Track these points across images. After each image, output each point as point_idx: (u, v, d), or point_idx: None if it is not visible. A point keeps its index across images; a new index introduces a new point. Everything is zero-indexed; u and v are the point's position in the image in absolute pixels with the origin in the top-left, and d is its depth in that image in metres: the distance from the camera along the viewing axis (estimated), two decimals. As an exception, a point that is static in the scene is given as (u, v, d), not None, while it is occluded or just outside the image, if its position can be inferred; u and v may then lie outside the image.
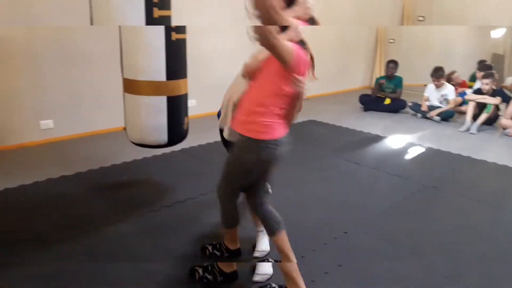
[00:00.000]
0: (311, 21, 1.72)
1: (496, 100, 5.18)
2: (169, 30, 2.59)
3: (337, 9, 6.76)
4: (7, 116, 3.84)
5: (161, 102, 2.70)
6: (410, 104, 6.01)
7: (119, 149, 3.83)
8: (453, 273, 2.19)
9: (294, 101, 1.72)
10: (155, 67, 2.62)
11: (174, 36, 2.63)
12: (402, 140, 4.72)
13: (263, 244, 2.28)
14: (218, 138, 2.18)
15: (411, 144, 4.54)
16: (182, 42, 2.70)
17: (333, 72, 7.05)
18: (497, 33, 12.51)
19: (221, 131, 2.07)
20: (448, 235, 2.59)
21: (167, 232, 2.48)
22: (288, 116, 1.76)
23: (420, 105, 5.85)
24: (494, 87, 5.28)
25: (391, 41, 8.12)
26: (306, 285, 1.87)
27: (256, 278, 2.04)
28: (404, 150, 4.35)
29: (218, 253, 2.16)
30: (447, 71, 5.99)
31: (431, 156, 4.18)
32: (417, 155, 4.21)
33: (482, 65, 6.13)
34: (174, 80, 2.71)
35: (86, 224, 2.52)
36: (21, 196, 2.89)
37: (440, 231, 2.64)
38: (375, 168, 3.74)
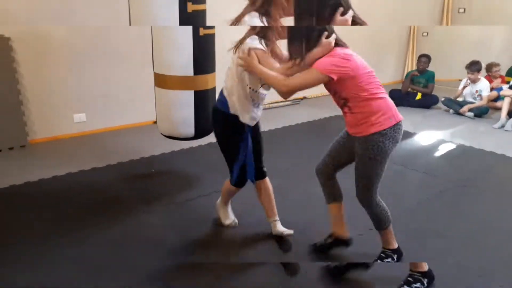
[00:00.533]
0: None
1: (522, 93, 4.96)
2: (196, 30, 2.63)
3: (370, 4, 6.61)
4: (42, 110, 4.01)
5: (189, 96, 2.76)
6: (442, 99, 5.83)
7: (148, 143, 3.93)
8: (485, 272, 2.13)
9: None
10: (183, 62, 2.68)
11: (202, 31, 2.66)
12: (433, 136, 4.60)
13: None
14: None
15: (442, 141, 4.42)
16: (210, 37, 2.74)
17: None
18: None
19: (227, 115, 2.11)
20: (479, 234, 2.52)
21: (192, 223, 2.54)
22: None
23: (453, 101, 5.67)
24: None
25: (424, 34, 7.89)
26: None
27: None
28: (434, 147, 4.25)
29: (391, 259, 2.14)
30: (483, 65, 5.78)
31: (462, 154, 4.06)
32: (447, 152, 4.10)
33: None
34: (201, 75, 2.75)
35: (114, 212, 2.62)
36: (54, 185, 3.02)
37: (470, 230, 2.58)
38: (402, 165, 3.67)
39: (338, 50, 1.79)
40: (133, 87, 4.46)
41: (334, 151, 2.13)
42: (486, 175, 3.55)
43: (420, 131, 4.75)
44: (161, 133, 2.98)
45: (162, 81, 2.76)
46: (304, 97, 6.13)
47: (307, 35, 1.74)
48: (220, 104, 2.14)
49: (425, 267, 2.00)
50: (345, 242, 2.25)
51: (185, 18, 2.58)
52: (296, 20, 1.75)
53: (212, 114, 2.21)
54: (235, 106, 2.07)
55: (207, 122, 2.89)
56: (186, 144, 3.77)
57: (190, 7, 2.61)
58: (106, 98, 4.35)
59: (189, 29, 2.61)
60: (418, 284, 1.96)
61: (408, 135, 4.62)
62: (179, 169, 3.42)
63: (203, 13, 2.71)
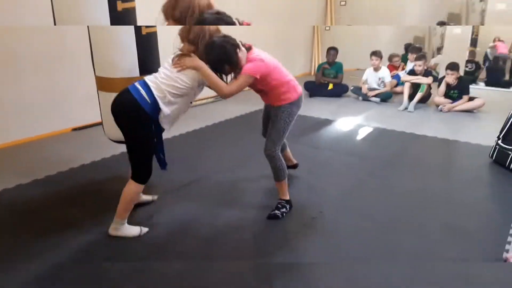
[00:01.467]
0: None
1: (429, 80, 5.70)
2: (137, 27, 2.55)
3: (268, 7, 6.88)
4: None
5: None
6: (351, 88, 6.38)
7: (80, 150, 3.69)
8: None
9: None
10: (127, 63, 2.57)
11: (145, 30, 2.59)
12: (350, 122, 5.03)
13: None
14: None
15: (359, 126, 4.87)
16: (153, 35, 2.67)
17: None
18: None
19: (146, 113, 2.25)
20: (414, 206, 2.88)
21: (157, 228, 2.49)
22: None
23: (360, 88, 6.24)
24: (426, 68, 5.80)
25: (327, 28, 8.49)
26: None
27: None
28: (354, 132, 4.66)
29: (286, 209, 2.70)
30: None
31: (380, 135, 4.53)
32: (367, 135, 4.54)
33: (413, 48, 6.67)
34: (147, 75, 2.67)
35: (61, 234, 2.44)
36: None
37: (407, 201, 2.93)
38: (332, 150, 3.98)
39: (253, 54, 2.39)
40: (49, 94, 4.12)
41: (263, 118, 2.92)
42: (405, 152, 4.03)
43: (338, 118, 5.17)
44: (109, 138, 2.83)
45: (106, 84, 2.61)
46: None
47: (231, 63, 2.31)
48: (140, 99, 2.19)
49: (288, 196, 2.72)
50: (295, 166, 3.29)
51: (115, 17, 2.50)
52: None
53: (124, 104, 2.23)
54: (166, 114, 2.25)
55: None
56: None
57: (120, 5, 2.53)
58: (23, 107, 3.97)
59: (131, 28, 2.52)
60: (284, 209, 2.66)
61: (328, 122, 5.00)
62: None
63: (133, 11, 2.64)
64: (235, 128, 4.72)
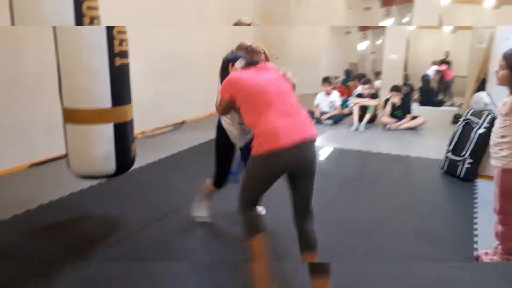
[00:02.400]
0: None
1: (376, 101, 6.11)
2: (112, 55, 2.54)
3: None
4: None
5: (108, 129, 2.60)
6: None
7: (45, 185, 3.47)
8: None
9: None
10: (100, 94, 2.53)
11: (118, 61, 2.58)
12: (310, 144, 5.23)
13: None
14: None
15: (320, 146, 5.07)
16: (126, 66, 2.66)
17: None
18: (362, 46, 14.55)
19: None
20: (386, 215, 3.04)
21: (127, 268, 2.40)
22: None
23: (313, 113, 6.53)
24: (372, 91, 6.22)
25: (276, 57, 8.84)
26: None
27: None
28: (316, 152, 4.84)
29: None
30: (317, 79, 6.87)
31: (340, 154, 4.76)
32: (329, 155, 4.74)
33: (358, 74, 7.16)
34: (120, 106, 2.64)
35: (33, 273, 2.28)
36: None
37: (379, 211, 3.09)
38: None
39: (233, 72, 2.08)
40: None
41: None
42: (366, 168, 4.26)
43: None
44: (76, 174, 2.69)
45: (75, 116, 2.52)
46: (184, 122, 6.20)
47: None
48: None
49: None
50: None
51: (114, 71, 2.54)
52: None
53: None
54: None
55: (128, 157, 2.78)
56: (94, 181, 3.46)
57: (118, 61, 2.57)
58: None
59: (105, 59, 2.50)
60: None
61: (290, 145, 5.15)
62: (96, 208, 3.12)
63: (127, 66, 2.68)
64: (196, 158, 4.71)
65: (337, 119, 6.37)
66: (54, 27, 2.46)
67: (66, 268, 2.29)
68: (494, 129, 2.28)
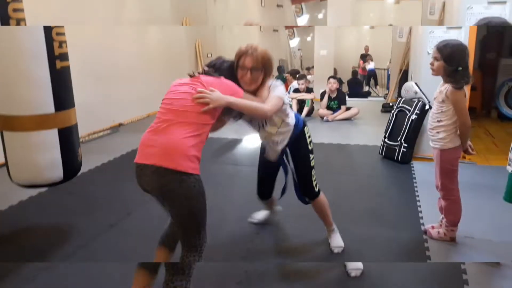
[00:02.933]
0: None
1: (312, 95, 6.34)
2: (53, 58, 2.37)
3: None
4: None
5: (52, 135, 2.44)
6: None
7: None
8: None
9: None
10: (41, 99, 2.35)
11: (59, 64, 2.42)
12: (254, 138, 5.28)
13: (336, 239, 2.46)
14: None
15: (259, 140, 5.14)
16: (67, 69, 2.50)
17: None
18: (294, 43, 14.98)
19: None
20: (340, 199, 3.18)
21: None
22: None
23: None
24: (307, 86, 6.45)
25: (209, 55, 8.79)
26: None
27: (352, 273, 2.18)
28: (259, 146, 4.91)
29: None
30: None
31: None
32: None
33: (292, 70, 7.38)
34: (63, 111, 2.48)
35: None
36: None
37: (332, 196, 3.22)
38: (253, 165, 4.14)
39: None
40: None
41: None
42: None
43: (243, 136, 5.37)
44: (18, 183, 2.49)
45: (14, 123, 2.32)
46: (120, 124, 5.94)
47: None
48: None
49: None
50: None
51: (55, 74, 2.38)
52: None
53: None
54: None
55: (75, 162, 2.63)
56: (33, 191, 3.21)
57: (60, 64, 2.41)
58: None
59: (45, 62, 2.32)
60: None
61: (237, 141, 5.17)
62: (41, 220, 2.90)
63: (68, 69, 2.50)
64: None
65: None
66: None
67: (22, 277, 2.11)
68: (431, 115, 2.48)
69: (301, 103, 6.34)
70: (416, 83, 4.16)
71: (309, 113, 6.41)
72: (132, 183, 1.79)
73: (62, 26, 2.49)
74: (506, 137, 4.86)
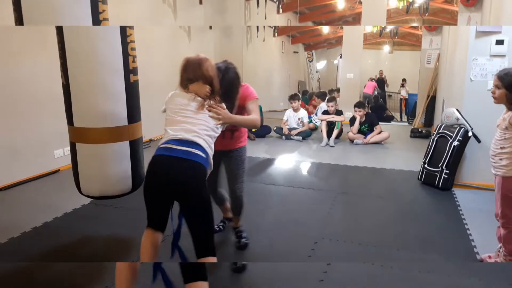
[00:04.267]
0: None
1: (342, 117, 6.39)
2: (128, 72, 2.46)
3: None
4: None
5: (125, 147, 2.50)
6: (274, 128, 6.78)
7: (19, 211, 3.21)
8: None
9: None
10: (117, 112, 2.43)
11: (132, 78, 2.50)
12: (287, 158, 5.34)
13: None
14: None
15: (298, 161, 5.19)
16: (137, 83, 2.58)
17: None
18: (321, 65, 15.22)
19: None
20: (383, 224, 3.20)
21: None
22: None
23: (282, 129, 6.67)
24: (337, 108, 6.51)
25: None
26: None
27: None
28: (297, 166, 4.97)
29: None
30: (270, 97, 7.14)
31: (319, 168, 4.90)
32: (309, 169, 4.87)
33: (319, 93, 7.46)
34: (134, 123, 2.55)
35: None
36: None
37: (374, 221, 3.24)
38: (290, 185, 4.18)
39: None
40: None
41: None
42: (348, 180, 4.44)
43: (275, 156, 5.43)
44: (88, 195, 2.54)
45: (90, 135, 2.39)
46: (151, 140, 6.04)
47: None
48: (201, 159, 1.95)
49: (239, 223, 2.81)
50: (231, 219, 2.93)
51: (129, 88, 2.47)
52: None
53: (195, 170, 1.91)
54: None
55: (141, 172, 2.69)
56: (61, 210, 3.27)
57: (133, 78, 2.50)
58: None
59: (121, 76, 2.41)
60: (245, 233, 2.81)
61: (271, 161, 5.22)
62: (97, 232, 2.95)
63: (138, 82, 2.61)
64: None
65: (306, 135, 6.56)
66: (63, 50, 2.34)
67: None
68: (493, 141, 2.51)
69: (330, 125, 6.38)
70: (457, 109, 4.19)
71: (338, 136, 6.46)
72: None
73: (134, 42, 2.58)
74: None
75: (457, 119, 4.15)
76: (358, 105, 6.30)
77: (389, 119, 9.81)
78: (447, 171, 4.04)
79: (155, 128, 6.02)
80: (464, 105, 4.14)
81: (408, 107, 10.46)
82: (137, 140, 2.60)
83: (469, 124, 4.05)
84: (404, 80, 12.20)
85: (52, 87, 4.19)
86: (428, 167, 4.22)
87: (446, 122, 4.32)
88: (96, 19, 2.34)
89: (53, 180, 4.30)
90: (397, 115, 11.53)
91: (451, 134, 4.11)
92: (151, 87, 5.83)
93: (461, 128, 4.08)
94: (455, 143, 4.04)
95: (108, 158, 2.45)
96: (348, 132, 6.43)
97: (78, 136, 2.46)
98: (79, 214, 3.34)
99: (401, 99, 11.84)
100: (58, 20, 2.24)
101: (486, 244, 2.76)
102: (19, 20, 2.25)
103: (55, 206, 3.43)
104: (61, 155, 4.57)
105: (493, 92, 2.41)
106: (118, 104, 2.44)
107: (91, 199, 3.21)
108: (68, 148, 4.55)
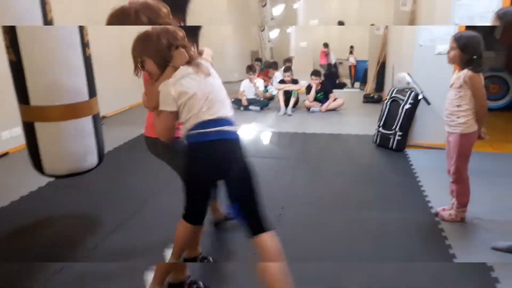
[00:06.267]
0: None
1: (298, 86, 6.48)
2: (84, 45, 2.34)
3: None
4: None
5: (88, 123, 2.42)
6: (232, 100, 6.74)
7: None
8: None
9: None
10: (78, 87, 2.33)
11: (88, 51, 2.39)
12: (248, 129, 5.37)
13: None
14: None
15: (258, 131, 5.24)
16: (91, 57, 2.46)
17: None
18: (275, 34, 14.93)
19: None
20: (346, 186, 3.35)
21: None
22: None
23: (240, 100, 6.65)
24: (292, 77, 6.58)
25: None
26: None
27: None
28: (258, 137, 5.02)
29: None
30: (223, 68, 7.10)
31: (279, 137, 4.99)
32: (270, 138, 4.95)
33: (270, 63, 7.50)
34: (93, 98, 2.46)
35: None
36: None
37: (339, 184, 3.39)
38: (252, 156, 4.22)
39: None
40: None
41: None
42: (309, 148, 4.57)
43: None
44: (53, 175, 2.44)
45: (52, 113, 2.26)
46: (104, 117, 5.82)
47: None
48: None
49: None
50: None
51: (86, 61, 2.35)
52: None
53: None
54: None
55: (103, 147, 2.62)
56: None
57: (87, 51, 2.38)
58: None
59: (78, 49, 2.28)
60: None
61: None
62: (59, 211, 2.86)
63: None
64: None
65: (263, 105, 6.60)
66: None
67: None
68: (448, 101, 2.66)
69: (287, 94, 6.46)
70: (408, 74, 4.39)
71: (294, 104, 6.55)
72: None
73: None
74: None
75: (408, 83, 4.35)
76: (315, 73, 6.40)
77: (342, 86, 10.06)
78: (400, 133, 4.26)
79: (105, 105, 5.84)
80: (414, 69, 4.35)
81: (358, 74, 10.73)
82: (96, 115, 2.53)
83: (419, 87, 4.26)
84: (351, 47, 12.35)
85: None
86: (382, 130, 4.42)
87: (398, 86, 4.52)
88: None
89: (3, 163, 4.07)
90: (347, 82, 11.78)
91: (403, 98, 4.31)
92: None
93: (411, 91, 4.28)
94: (407, 106, 4.25)
95: (73, 135, 2.38)
96: (304, 101, 6.54)
97: (36, 115, 2.33)
98: (37, 197, 3.20)
99: (349, 66, 12.04)
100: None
101: (439, 199, 2.97)
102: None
103: (9, 190, 3.27)
104: (7, 136, 4.30)
105: (448, 53, 2.56)
106: (78, 78, 2.34)
107: (51, 179, 3.11)
108: (17, 129, 4.37)
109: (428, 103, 4.24)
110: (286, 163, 3.97)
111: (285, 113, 6.21)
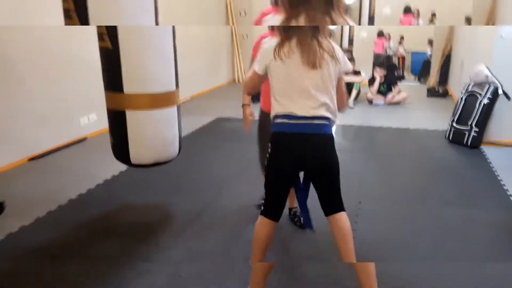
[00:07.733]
0: None
1: (361, 78, 6.33)
2: (174, 33, 2.40)
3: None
4: None
5: (174, 112, 2.50)
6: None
7: (61, 179, 3.24)
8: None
9: None
10: (168, 76, 2.40)
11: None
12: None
13: None
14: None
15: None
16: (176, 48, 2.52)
17: (203, 71, 7.18)
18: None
19: None
20: (419, 183, 3.25)
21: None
22: None
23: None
24: (354, 69, 6.43)
25: (245, 37, 8.75)
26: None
27: None
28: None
29: None
30: None
31: (343, 130, 4.91)
32: (335, 131, 4.86)
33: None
34: (178, 88, 2.53)
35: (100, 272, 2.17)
36: None
37: (413, 181, 3.29)
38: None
39: None
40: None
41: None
42: (376, 142, 4.48)
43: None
44: (139, 164, 2.51)
45: (144, 101, 2.34)
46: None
47: None
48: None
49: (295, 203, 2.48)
50: None
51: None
52: None
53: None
54: None
55: (181, 137, 2.69)
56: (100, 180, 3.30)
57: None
58: None
59: (170, 37, 2.35)
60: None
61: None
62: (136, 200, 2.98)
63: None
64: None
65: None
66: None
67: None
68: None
69: (348, 86, 6.32)
70: (487, 67, 4.15)
71: (356, 97, 6.41)
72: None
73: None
74: None
75: (486, 76, 4.12)
76: (380, 64, 6.22)
77: (400, 79, 9.70)
78: (476, 129, 4.05)
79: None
80: (494, 63, 4.10)
81: (414, 66, 10.21)
82: (179, 105, 2.59)
83: (499, 81, 4.02)
84: (402, 37, 11.64)
85: (78, 53, 4.11)
86: (457, 126, 4.22)
87: (475, 79, 4.29)
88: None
89: (82, 148, 4.29)
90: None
91: (481, 92, 4.09)
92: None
93: (490, 85, 4.05)
94: (485, 101, 4.03)
95: (161, 124, 2.44)
96: (366, 93, 6.38)
97: (128, 103, 2.39)
98: (121, 181, 3.33)
99: (398, 58, 11.43)
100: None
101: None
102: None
103: (92, 175, 3.43)
104: (86, 122, 4.53)
105: None
106: (169, 68, 2.41)
107: (127, 166, 3.23)
108: (93, 115, 4.58)
109: (509, 98, 4.00)
110: (356, 157, 3.89)
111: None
